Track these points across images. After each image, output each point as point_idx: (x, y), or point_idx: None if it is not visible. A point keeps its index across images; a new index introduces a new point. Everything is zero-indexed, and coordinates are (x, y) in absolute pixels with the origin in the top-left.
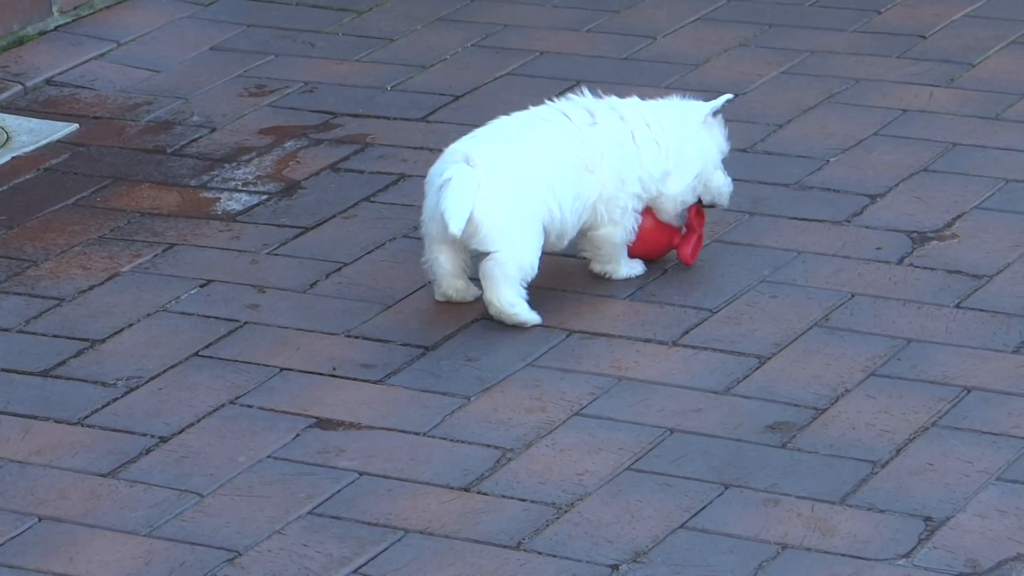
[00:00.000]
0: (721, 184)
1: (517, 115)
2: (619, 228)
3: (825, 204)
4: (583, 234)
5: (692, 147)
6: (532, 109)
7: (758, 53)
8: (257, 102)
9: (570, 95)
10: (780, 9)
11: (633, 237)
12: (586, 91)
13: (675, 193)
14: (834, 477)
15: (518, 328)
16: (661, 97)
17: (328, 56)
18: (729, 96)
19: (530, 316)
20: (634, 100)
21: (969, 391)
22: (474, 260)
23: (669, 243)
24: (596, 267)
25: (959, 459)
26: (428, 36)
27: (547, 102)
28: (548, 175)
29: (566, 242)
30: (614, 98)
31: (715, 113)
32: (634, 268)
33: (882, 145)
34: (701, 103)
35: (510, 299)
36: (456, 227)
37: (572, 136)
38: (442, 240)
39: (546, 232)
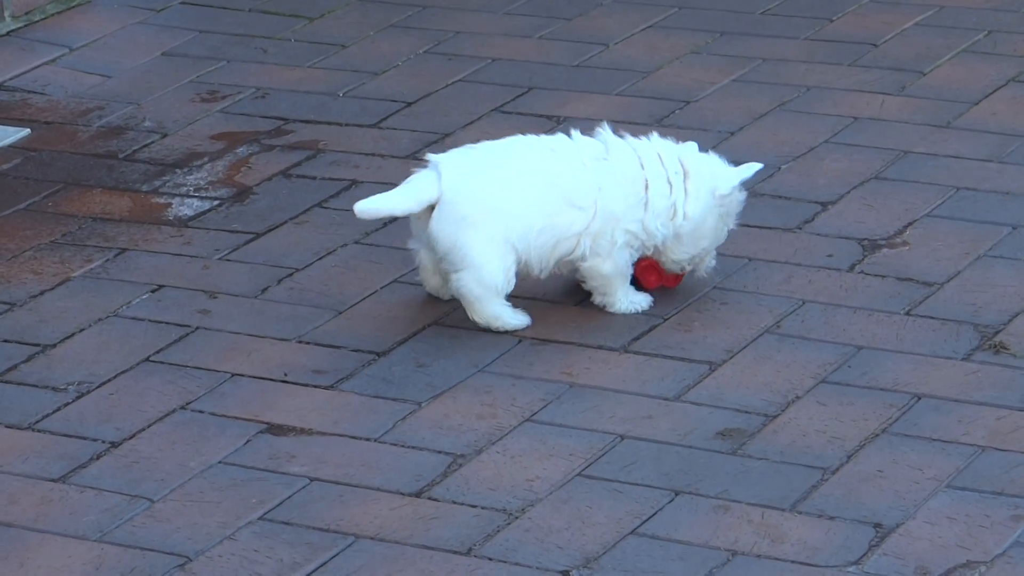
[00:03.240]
0: (712, 263)
1: (518, 139)
2: (607, 261)
3: (776, 211)
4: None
5: (711, 223)
6: (541, 137)
7: (710, 60)
8: (209, 108)
9: (598, 129)
10: (732, 17)
11: (628, 271)
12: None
13: (676, 258)
14: (784, 484)
15: (469, 334)
16: (686, 141)
17: (280, 62)
18: (759, 166)
19: (513, 322)
20: (669, 147)
21: (919, 398)
22: None
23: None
24: (595, 299)
25: (909, 466)
26: (380, 42)
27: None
28: (518, 203)
29: (542, 271)
30: (643, 139)
31: (742, 186)
32: (636, 302)
33: (833, 153)
34: (731, 171)
35: (485, 317)
36: (359, 209)
37: (559, 169)
38: (419, 240)
39: (519, 258)
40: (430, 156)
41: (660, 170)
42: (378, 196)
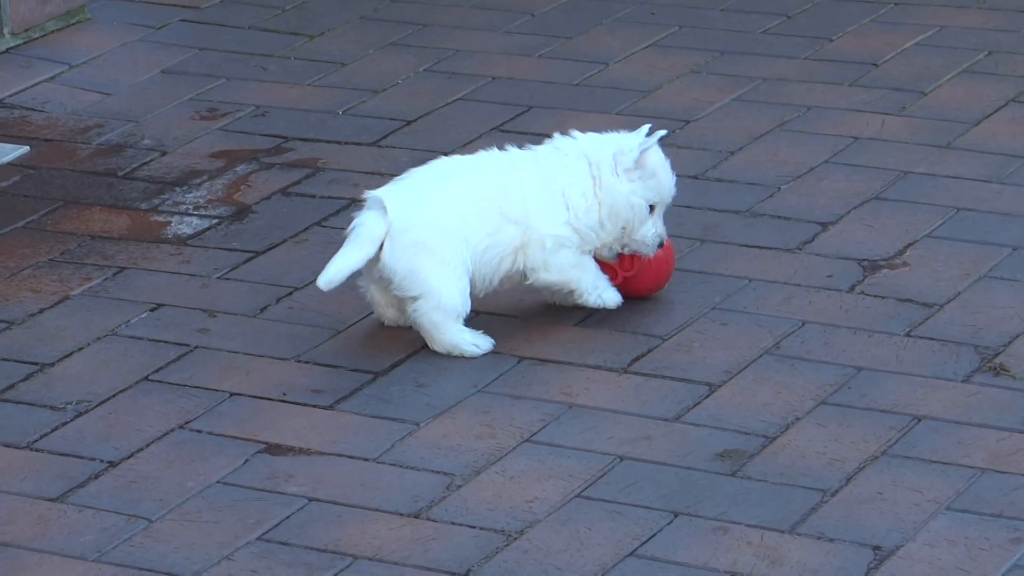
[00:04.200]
0: (647, 235)
1: (443, 161)
2: (549, 271)
3: (776, 232)
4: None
5: (623, 201)
6: (471, 155)
7: (710, 80)
8: (208, 126)
9: (550, 141)
10: (732, 36)
11: (587, 263)
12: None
13: (608, 243)
14: (784, 506)
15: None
16: (613, 130)
17: (280, 80)
18: (662, 132)
19: (474, 348)
20: (582, 139)
21: (919, 420)
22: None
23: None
24: (570, 301)
25: (909, 488)
26: (380, 61)
27: (501, 148)
28: (464, 223)
29: (482, 291)
30: (564, 138)
31: (641, 155)
32: (607, 298)
33: (833, 173)
34: (630, 141)
35: (445, 346)
36: (323, 284)
37: (490, 185)
38: (368, 276)
39: (471, 280)
40: (367, 193)
41: (577, 167)
42: (334, 260)
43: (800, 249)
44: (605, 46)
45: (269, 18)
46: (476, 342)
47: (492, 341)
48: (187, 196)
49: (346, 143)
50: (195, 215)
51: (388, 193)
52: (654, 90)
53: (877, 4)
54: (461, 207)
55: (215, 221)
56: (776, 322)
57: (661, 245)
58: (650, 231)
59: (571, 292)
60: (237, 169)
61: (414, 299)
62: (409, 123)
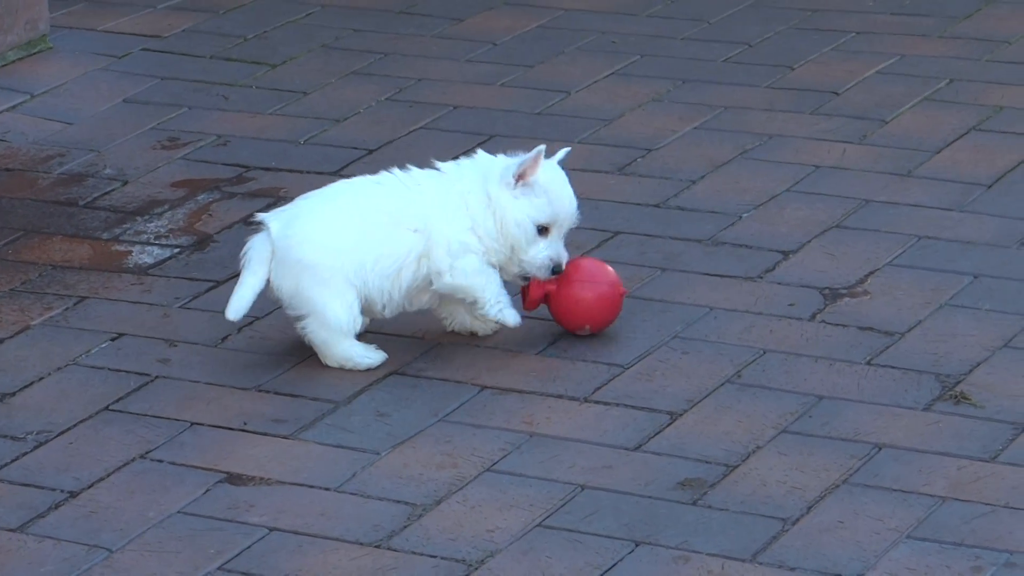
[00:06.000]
0: (535, 257)
1: (342, 182)
2: (454, 273)
3: (738, 260)
4: (437, 298)
5: (510, 217)
6: (374, 175)
7: (671, 108)
8: (170, 155)
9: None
10: (693, 65)
11: (491, 273)
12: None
13: (499, 260)
14: (745, 534)
15: (429, 383)
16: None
17: (241, 109)
18: (541, 148)
19: (366, 361)
20: (481, 157)
21: (880, 448)
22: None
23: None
24: (475, 311)
25: (870, 516)
26: (342, 90)
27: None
28: (346, 237)
29: (385, 306)
30: (467, 160)
31: (522, 172)
32: (507, 314)
33: (795, 201)
34: (505, 161)
35: (337, 359)
36: (230, 315)
37: (384, 197)
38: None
39: (361, 295)
40: (258, 216)
41: (474, 178)
42: (236, 290)
43: (761, 278)
44: (567, 74)
45: (231, 47)
46: (367, 355)
47: (384, 354)
48: (148, 225)
49: (308, 172)
50: (156, 244)
51: (273, 215)
52: (616, 119)
53: (838, 33)
54: (344, 223)
55: (176, 250)
56: (737, 351)
57: (557, 271)
58: (540, 253)
59: (474, 301)
60: (198, 198)
61: (302, 318)
62: (371, 152)
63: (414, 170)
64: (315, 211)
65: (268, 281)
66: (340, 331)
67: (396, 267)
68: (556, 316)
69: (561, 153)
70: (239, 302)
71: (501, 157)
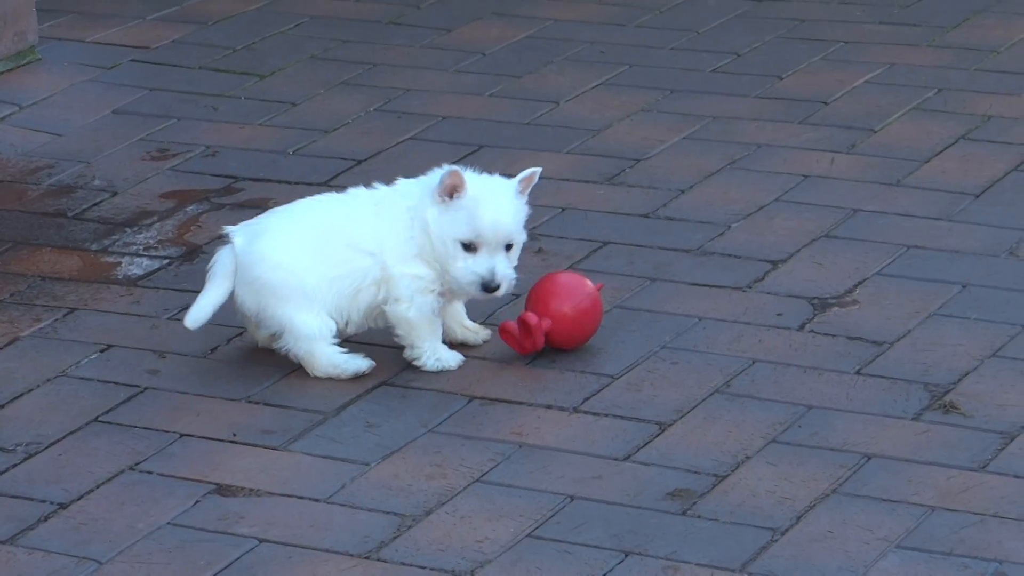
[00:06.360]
0: (459, 273)
1: (310, 198)
2: (410, 306)
3: (726, 270)
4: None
5: (436, 244)
6: (340, 192)
7: (660, 118)
8: (159, 166)
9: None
10: (682, 75)
11: (436, 324)
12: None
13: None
14: (734, 544)
15: (418, 394)
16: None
17: (230, 120)
18: (451, 168)
19: (354, 365)
20: (434, 173)
21: (869, 458)
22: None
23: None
24: (405, 352)
25: (859, 527)
26: (330, 100)
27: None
28: (305, 255)
29: (349, 324)
30: (415, 181)
31: (446, 189)
32: (444, 359)
33: (784, 211)
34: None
35: (323, 370)
36: (189, 323)
37: (344, 218)
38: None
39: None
40: (226, 228)
41: (420, 193)
42: (198, 300)
43: (750, 288)
44: (555, 85)
45: (219, 58)
46: (354, 360)
47: (371, 361)
48: (137, 237)
49: (297, 183)
50: (145, 256)
51: (240, 229)
52: (604, 129)
53: (827, 42)
54: (304, 243)
55: (165, 262)
56: (726, 361)
57: (490, 290)
58: (465, 270)
59: (411, 346)
60: (188, 209)
61: (278, 336)
62: (359, 163)
63: (380, 188)
64: (278, 230)
65: (231, 293)
66: (314, 337)
67: (354, 289)
68: (564, 345)
69: (525, 173)
70: (199, 312)
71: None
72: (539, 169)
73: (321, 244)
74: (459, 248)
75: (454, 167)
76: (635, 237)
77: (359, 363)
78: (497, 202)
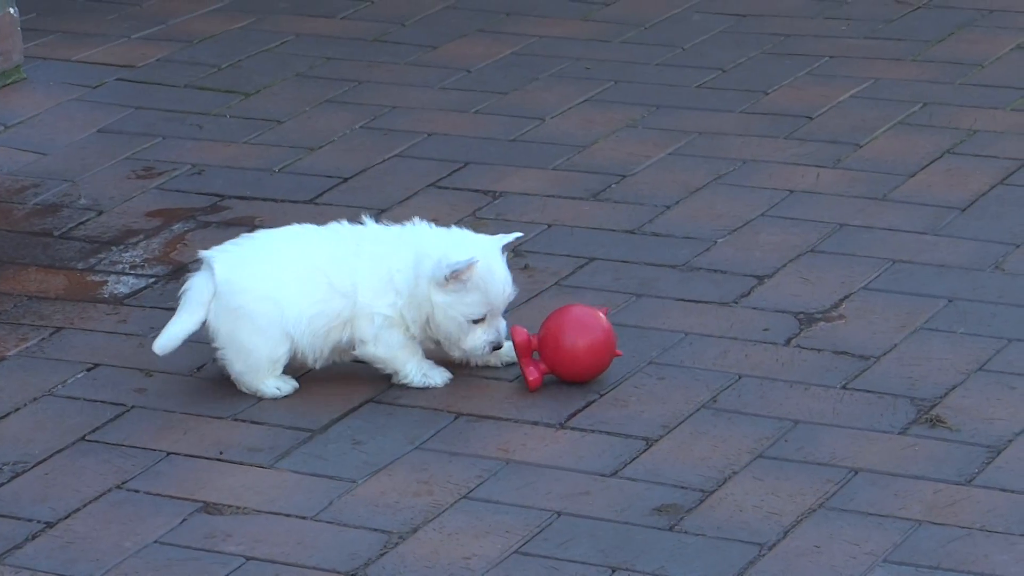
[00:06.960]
0: (474, 346)
1: (294, 227)
2: (377, 345)
3: (712, 285)
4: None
5: (440, 313)
6: (323, 226)
7: (646, 134)
8: (145, 184)
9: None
10: (668, 90)
11: (412, 346)
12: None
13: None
14: (721, 560)
15: (405, 411)
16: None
17: (216, 138)
18: (473, 259)
19: (272, 391)
20: (422, 232)
21: (856, 472)
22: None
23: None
24: (393, 379)
25: (846, 541)
26: (316, 118)
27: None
28: (288, 289)
29: (316, 360)
30: (405, 226)
31: (456, 273)
32: (431, 376)
33: (769, 226)
34: (461, 251)
35: (252, 389)
36: (157, 349)
37: (326, 256)
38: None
39: (294, 346)
40: (201, 253)
41: (406, 258)
42: (168, 326)
43: (736, 303)
44: (541, 101)
45: (205, 76)
46: (279, 384)
47: (295, 383)
48: (124, 255)
49: (283, 201)
50: (132, 274)
51: (219, 255)
52: (590, 145)
53: (812, 57)
54: (288, 275)
55: (152, 280)
56: (713, 376)
57: (498, 347)
58: (479, 341)
59: (396, 372)
60: (174, 228)
61: (220, 349)
62: (345, 180)
63: (364, 227)
64: (260, 260)
65: (204, 322)
66: (253, 373)
67: (326, 327)
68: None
69: (509, 237)
70: (169, 339)
71: (446, 237)
72: (520, 234)
73: (304, 279)
74: (470, 323)
75: (472, 259)
76: (621, 253)
77: (283, 388)
78: (501, 274)
